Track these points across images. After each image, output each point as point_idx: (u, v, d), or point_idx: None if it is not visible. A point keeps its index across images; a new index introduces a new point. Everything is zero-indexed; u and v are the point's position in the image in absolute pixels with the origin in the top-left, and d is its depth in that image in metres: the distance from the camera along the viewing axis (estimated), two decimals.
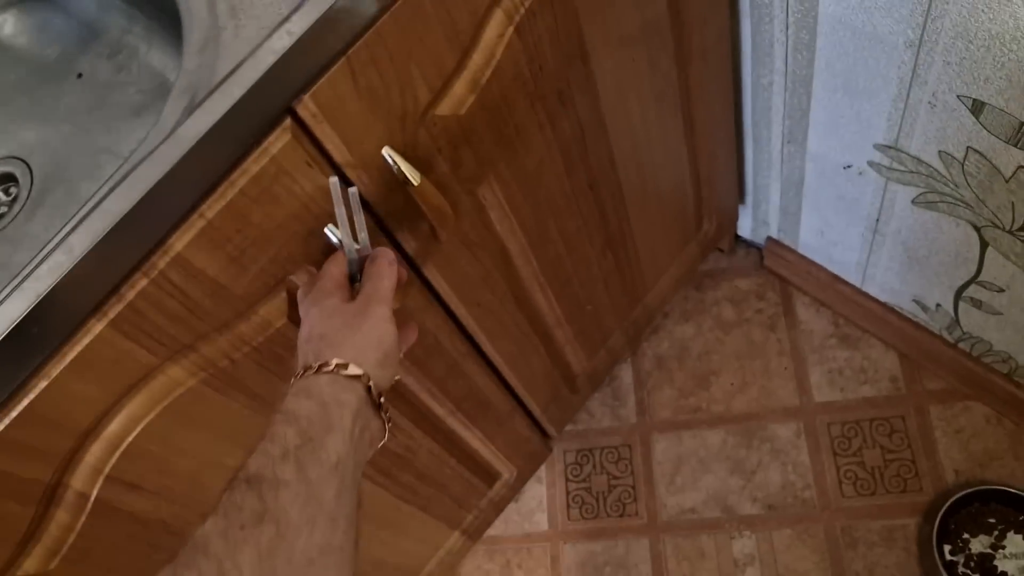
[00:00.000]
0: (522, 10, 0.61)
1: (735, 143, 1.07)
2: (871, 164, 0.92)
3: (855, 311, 1.19)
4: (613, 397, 1.26)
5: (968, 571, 1.01)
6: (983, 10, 0.65)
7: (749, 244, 1.29)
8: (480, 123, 0.65)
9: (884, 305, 1.13)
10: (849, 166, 0.95)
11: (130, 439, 0.56)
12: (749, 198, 1.18)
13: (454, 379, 0.85)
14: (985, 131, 0.75)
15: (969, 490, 1.03)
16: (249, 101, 0.48)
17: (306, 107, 0.52)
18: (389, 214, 0.63)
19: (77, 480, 0.55)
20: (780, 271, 1.25)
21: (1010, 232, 0.83)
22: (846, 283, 1.16)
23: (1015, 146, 0.73)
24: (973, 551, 1.02)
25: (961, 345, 1.08)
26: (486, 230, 0.75)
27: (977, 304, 0.97)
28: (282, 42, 0.49)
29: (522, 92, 0.67)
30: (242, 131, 0.50)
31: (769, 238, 1.23)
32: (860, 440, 1.14)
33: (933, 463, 1.10)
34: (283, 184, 0.54)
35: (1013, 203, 0.79)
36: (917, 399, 1.14)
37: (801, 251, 1.19)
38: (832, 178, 0.99)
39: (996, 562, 1.01)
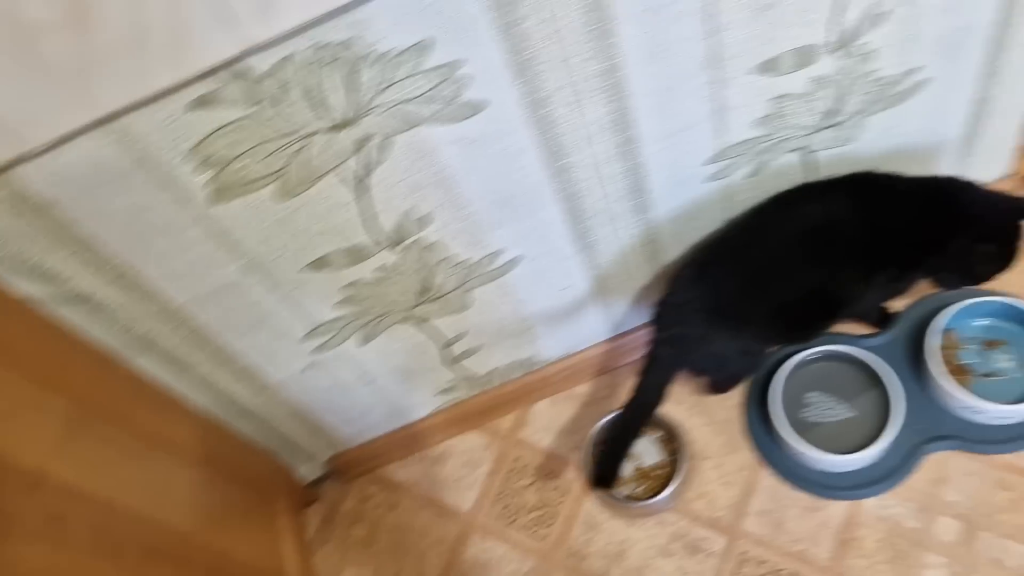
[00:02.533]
0: None
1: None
2: (315, 353, 1.10)
3: (424, 439, 1.37)
4: None
5: None
6: None
7: (322, 479, 1.40)
8: None
9: (424, 420, 1.33)
10: (307, 368, 1.12)
11: None
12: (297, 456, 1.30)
13: None
14: None
15: None
16: None
17: None
18: None
19: None
20: (357, 472, 1.38)
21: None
22: (403, 429, 1.33)
23: None
24: None
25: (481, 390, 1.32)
26: None
27: (464, 356, 1.22)
28: None
29: None
30: None
31: (329, 461, 1.35)
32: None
33: None
34: None
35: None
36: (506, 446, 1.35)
37: (357, 444, 1.34)
38: (310, 382, 1.15)
39: None
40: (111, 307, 0.90)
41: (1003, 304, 1.20)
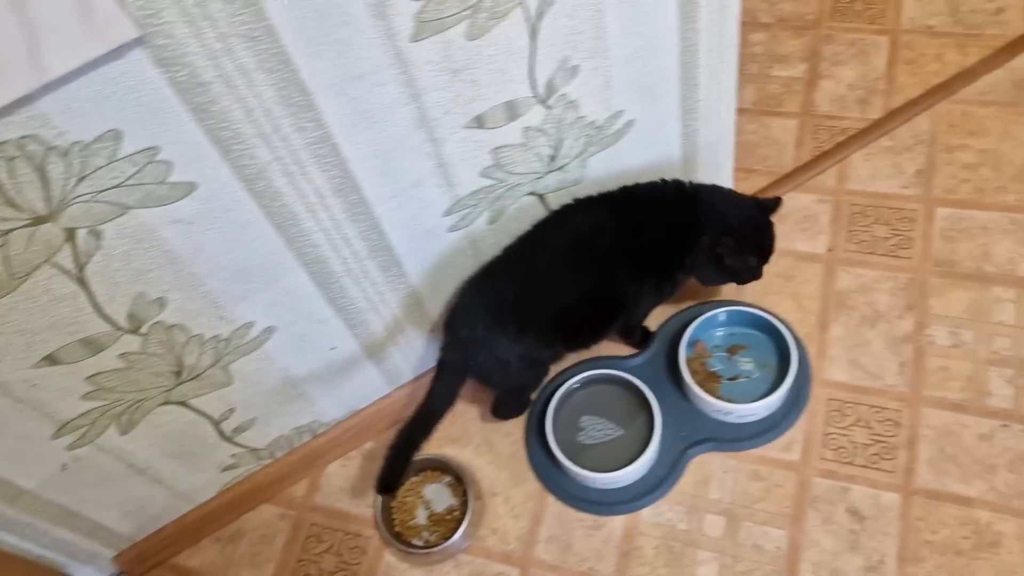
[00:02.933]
0: None
1: None
2: (71, 450, 1.05)
3: (215, 520, 1.33)
4: None
5: None
6: None
7: None
8: None
9: (213, 500, 1.30)
10: (65, 466, 1.07)
11: None
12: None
13: None
14: None
15: None
16: None
17: None
18: None
19: None
20: (148, 565, 1.32)
21: None
22: (191, 512, 1.29)
23: None
24: None
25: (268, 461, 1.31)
26: None
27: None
28: None
29: None
30: None
31: (115, 560, 1.29)
32: None
33: None
34: None
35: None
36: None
37: (143, 536, 1.28)
38: (73, 481, 1.10)
39: None
40: None
41: (737, 312, 1.32)
